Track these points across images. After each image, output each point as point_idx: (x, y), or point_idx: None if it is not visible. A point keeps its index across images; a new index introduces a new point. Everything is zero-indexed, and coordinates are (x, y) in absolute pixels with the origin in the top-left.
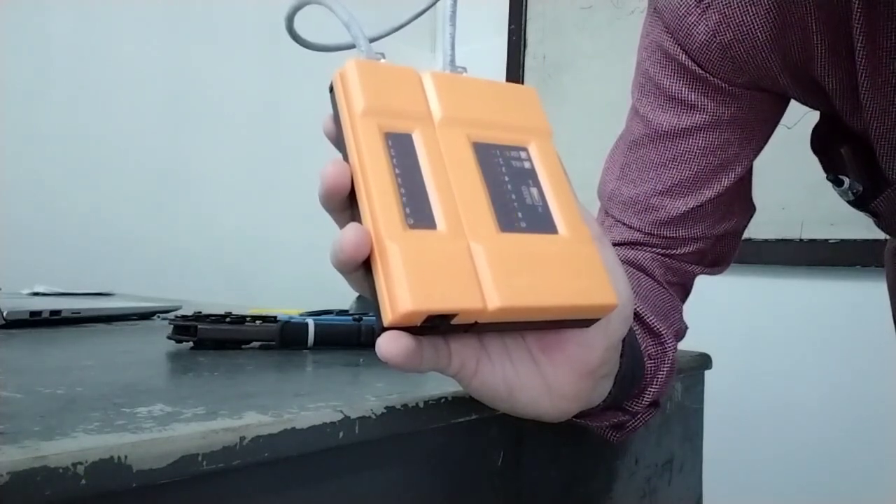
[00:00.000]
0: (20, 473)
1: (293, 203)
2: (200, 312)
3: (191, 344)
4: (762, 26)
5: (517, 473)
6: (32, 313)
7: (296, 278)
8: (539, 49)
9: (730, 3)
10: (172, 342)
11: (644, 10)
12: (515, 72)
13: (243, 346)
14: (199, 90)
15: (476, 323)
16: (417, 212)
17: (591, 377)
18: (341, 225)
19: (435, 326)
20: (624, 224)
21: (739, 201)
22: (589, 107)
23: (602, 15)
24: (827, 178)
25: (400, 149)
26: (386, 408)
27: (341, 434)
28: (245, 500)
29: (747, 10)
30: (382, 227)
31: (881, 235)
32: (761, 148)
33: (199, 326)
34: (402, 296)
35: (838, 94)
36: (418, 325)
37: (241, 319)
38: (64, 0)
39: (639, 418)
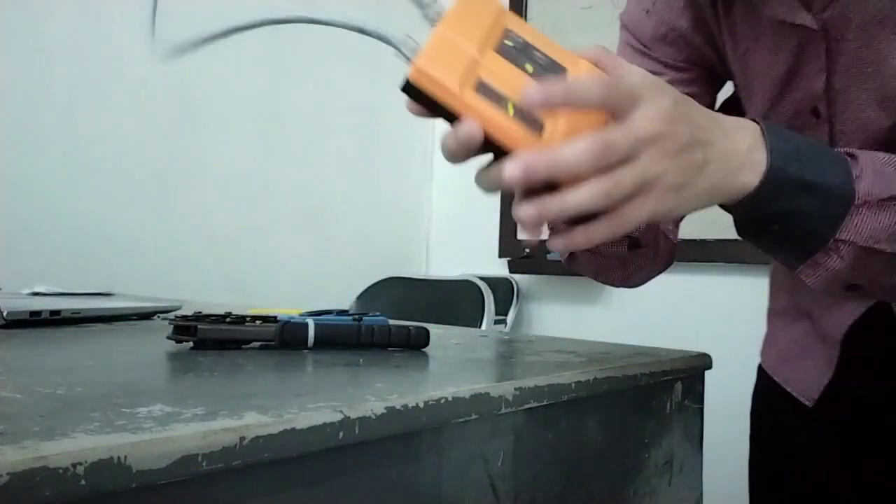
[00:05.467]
0: (20, 474)
1: (293, 204)
2: (200, 312)
3: (191, 344)
4: (682, 17)
5: (517, 473)
6: (32, 313)
7: (296, 278)
8: None
9: (661, 8)
10: (172, 342)
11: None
12: None
13: (243, 346)
14: (200, 91)
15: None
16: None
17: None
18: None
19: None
20: None
21: None
22: None
23: (602, 15)
24: None
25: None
26: (386, 408)
27: (341, 434)
28: (245, 500)
29: (671, 9)
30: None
31: None
32: None
33: (199, 326)
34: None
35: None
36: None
37: (241, 319)
38: (64, 0)
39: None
